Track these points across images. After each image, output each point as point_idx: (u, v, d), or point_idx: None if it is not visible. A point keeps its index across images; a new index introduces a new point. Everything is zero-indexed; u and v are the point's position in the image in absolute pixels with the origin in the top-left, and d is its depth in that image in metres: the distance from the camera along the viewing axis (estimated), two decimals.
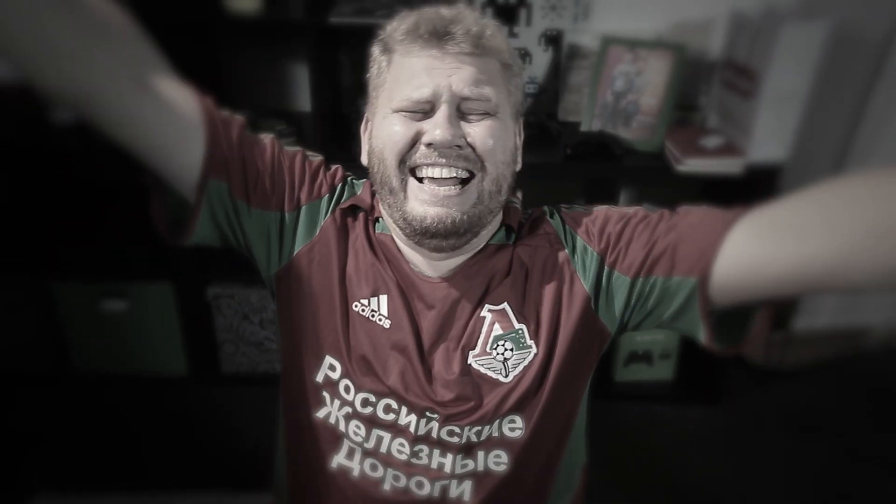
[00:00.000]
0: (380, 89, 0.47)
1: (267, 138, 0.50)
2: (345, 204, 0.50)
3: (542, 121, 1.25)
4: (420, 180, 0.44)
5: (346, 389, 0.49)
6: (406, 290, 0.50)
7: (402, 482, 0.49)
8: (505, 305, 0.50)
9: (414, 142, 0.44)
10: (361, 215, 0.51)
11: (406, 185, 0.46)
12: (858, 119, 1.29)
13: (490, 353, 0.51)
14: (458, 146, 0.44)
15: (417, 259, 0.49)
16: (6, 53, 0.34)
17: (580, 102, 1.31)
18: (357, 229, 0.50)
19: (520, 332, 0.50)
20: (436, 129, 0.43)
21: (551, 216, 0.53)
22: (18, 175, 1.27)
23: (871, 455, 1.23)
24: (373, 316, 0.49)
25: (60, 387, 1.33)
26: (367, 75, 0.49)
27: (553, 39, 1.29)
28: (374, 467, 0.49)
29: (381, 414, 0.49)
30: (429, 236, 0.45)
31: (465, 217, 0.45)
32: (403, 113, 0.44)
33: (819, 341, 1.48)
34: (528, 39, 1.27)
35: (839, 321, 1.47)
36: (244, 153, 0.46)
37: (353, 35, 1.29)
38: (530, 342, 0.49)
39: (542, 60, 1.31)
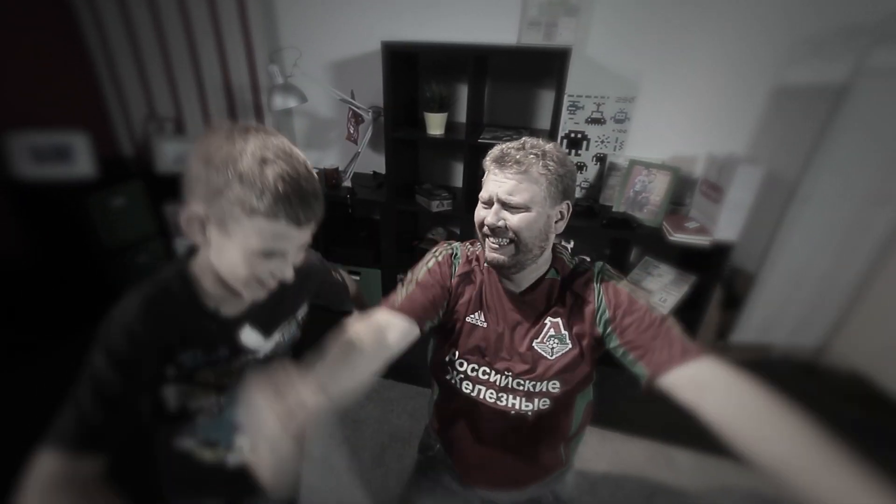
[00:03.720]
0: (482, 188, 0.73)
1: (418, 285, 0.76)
2: (461, 272, 0.78)
3: (590, 204, 1.94)
4: (486, 237, 0.72)
5: (461, 364, 0.80)
6: (501, 300, 0.76)
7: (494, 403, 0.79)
8: (559, 319, 0.75)
9: (483, 220, 0.72)
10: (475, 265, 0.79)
11: (484, 241, 0.72)
12: (780, 221, 1.80)
13: (546, 343, 0.76)
14: (501, 227, 0.68)
15: (505, 280, 0.76)
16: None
17: (613, 195, 1.94)
18: (474, 274, 0.78)
19: (565, 336, 0.75)
20: (489, 216, 0.69)
21: (597, 279, 0.74)
22: None
23: None
24: (476, 321, 0.77)
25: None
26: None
27: (601, 159, 1.99)
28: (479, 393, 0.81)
29: (480, 375, 0.79)
30: (495, 268, 0.73)
31: (507, 259, 0.70)
32: (483, 204, 0.72)
33: (744, 350, 2.01)
34: (586, 158, 2.01)
35: (758, 338, 2.00)
36: (429, 310, 0.75)
37: (488, 148, 1.96)
38: (569, 342, 0.75)
39: (593, 170, 2.02)
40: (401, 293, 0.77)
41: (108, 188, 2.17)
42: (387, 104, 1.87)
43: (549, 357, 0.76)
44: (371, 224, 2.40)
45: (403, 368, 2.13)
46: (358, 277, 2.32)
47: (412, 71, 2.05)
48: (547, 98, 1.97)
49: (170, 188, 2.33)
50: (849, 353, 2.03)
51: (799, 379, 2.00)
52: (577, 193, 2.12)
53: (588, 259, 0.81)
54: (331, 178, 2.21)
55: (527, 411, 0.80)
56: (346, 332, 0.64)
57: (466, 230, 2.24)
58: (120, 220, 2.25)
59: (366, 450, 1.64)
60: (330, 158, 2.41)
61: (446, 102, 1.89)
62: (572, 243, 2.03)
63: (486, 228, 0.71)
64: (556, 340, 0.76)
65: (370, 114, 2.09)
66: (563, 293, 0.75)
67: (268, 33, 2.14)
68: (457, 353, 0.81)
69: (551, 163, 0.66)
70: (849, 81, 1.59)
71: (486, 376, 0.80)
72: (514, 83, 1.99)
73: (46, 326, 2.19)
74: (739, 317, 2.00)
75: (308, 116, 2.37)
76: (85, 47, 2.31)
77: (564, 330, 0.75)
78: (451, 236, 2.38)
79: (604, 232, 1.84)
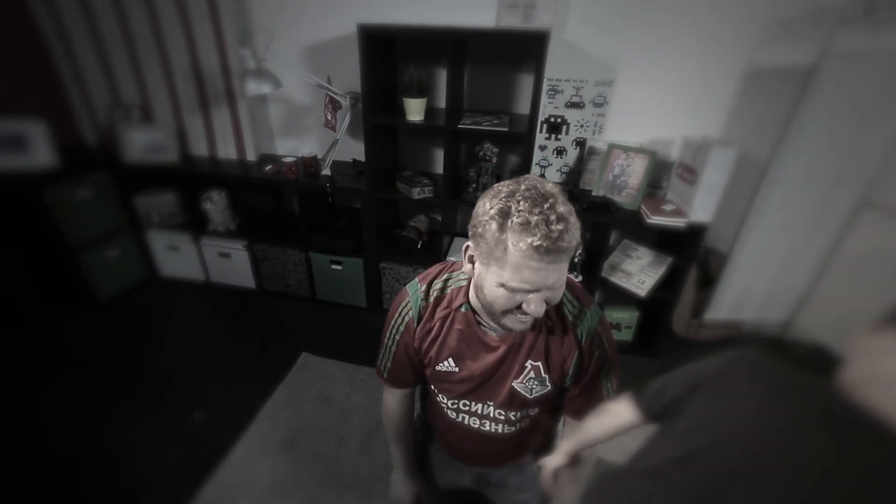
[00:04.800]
0: (492, 259, 0.60)
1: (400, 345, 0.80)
2: (425, 329, 0.77)
3: (570, 188, 1.98)
4: (508, 313, 0.65)
5: (441, 397, 0.85)
6: (479, 345, 0.75)
7: (477, 429, 0.85)
8: (540, 363, 0.76)
9: (517, 305, 0.63)
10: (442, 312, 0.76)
11: (503, 315, 0.66)
12: (750, 202, 1.87)
13: (525, 384, 0.78)
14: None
15: (489, 327, 0.74)
16: None
17: (593, 179, 1.96)
18: (443, 319, 0.76)
19: (545, 378, 0.77)
20: (532, 305, 0.62)
21: (582, 337, 0.74)
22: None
23: None
24: (450, 367, 0.78)
25: (310, 304, 2.40)
26: (478, 228, 0.61)
27: (580, 143, 2.01)
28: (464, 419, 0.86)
29: (461, 406, 0.84)
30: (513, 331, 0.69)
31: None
32: (512, 290, 0.61)
33: (716, 327, 2.11)
34: (566, 142, 2.02)
35: (730, 316, 2.09)
36: (413, 374, 0.84)
37: (468, 133, 1.98)
38: (548, 384, 0.78)
39: (572, 154, 2.05)
40: (384, 360, 0.86)
41: (71, 179, 2.07)
42: (364, 90, 1.83)
43: (528, 396, 0.79)
44: (352, 212, 2.37)
45: None
46: (340, 267, 2.30)
47: (390, 55, 2.01)
48: (526, 82, 1.97)
49: (139, 179, 2.29)
50: (812, 327, 2.14)
51: (767, 352, 2.12)
52: (558, 178, 2.14)
53: (578, 304, 0.76)
54: (309, 166, 2.16)
55: (510, 432, 0.85)
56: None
57: (448, 217, 2.24)
58: (86, 214, 2.15)
59: (353, 438, 1.64)
60: (308, 146, 2.36)
61: (425, 87, 1.86)
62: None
63: (518, 310, 0.64)
64: (536, 382, 0.78)
65: (348, 100, 2.04)
66: (547, 339, 0.75)
67: (238, 15, 2.06)
68: (434, 389, 0.86)
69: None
70: (815, 65, 1.64)
71: (467, 407, 0.84)
72: (493, 67, 1.98)
73: (6, 322, 2.10)
74: (713, 296, 2.07)
75: (283, 103, 2.30)
76: (38, 32, 2.17)
77: (544, 374, 0.77)
78: (432, 223, 2.38)
79: (584, 216, 1.84)
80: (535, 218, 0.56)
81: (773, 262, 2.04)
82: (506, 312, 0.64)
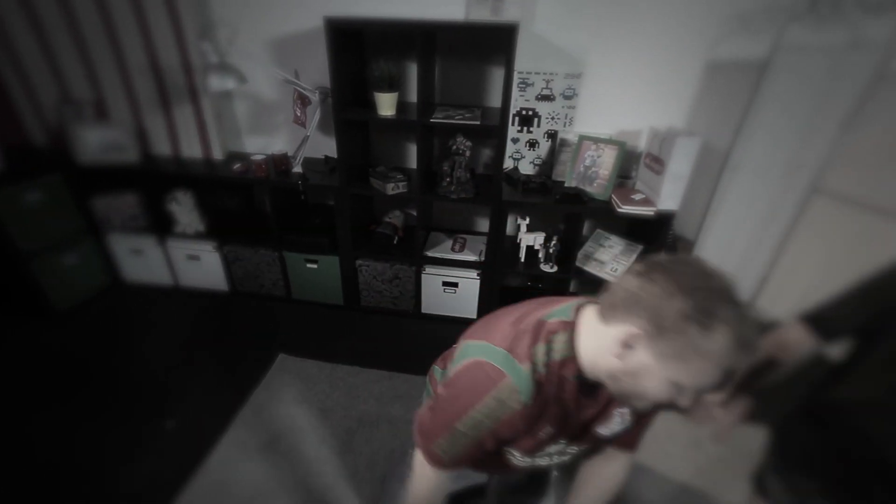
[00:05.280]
0: (679, 358, 0.54)
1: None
2: (534, 410, 0.66)
3: (543, 180, 1.97)
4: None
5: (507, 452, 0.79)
6: (579, 409, 0.70)
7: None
8: (627, 408, 0.75)
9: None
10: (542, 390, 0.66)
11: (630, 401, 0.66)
12: (714, 189, 1.95)
13: (607, 426, 0.77)
14: None
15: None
16: None
17: (565, 171, 1.99)
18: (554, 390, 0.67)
19: (629, 420, 0.77)
20: (687, 400, 0.59)
21: None
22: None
23: None
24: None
25: (286, 304, 2.35)
26: (664, 322, 0.54)
27: (552, 135, 2.04)
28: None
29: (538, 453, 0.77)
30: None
31: None
32: (676, 386, 0.57)
33: None
34: (538, 135, 2.05)
35: None
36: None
37: (441, 128, 2.04)
38: (629, 422, 0.78)
39: (545, 147, 2.07)
40: (450, 446, 0.69)
41: (18, 183, 1.95)
42: (334, 85, 1.80)
43: (606, 434, 0.77)
44: (325, 210, 2.33)
45: (369, 354, 2.12)
46: (315, 265, 2.26)
47: (359, 49, 1.98)
48: (497, 75, 1.97)
49: (98, 180, 2.17)
50: (771, 306, 2.26)
51: None
52: (531, 170, 2.17)
53: None
54: (280, 164, 2.11)
55: (567, 459, 0.83)
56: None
57: (423, 212, 2.23)
58: (36, 218, 2.03)
59: (334, 437, 1.63)
60: (278, 143, 2.29)
61: (396, 81, 1.84)
62: (528, 219, 2.09)
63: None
64: (620, 425, 0.77)
65: (317, 95, 2.00)
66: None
67: (198, 7, 1.97)
68: (510, 449, 0.77)
69: None
70: (769, 57, 1.71)
71: (539, 453, 0.78)
72: (463, 60, 1.98)
73: None
74: None
75: (250, 99, 2.23)
76: None
77: (630, 417, 0.76)
78: (408, 219, 2.36)
79: (557, 207, 1.91)
80: (749, 333, 0.53)
81: (736, 246, 2.14)
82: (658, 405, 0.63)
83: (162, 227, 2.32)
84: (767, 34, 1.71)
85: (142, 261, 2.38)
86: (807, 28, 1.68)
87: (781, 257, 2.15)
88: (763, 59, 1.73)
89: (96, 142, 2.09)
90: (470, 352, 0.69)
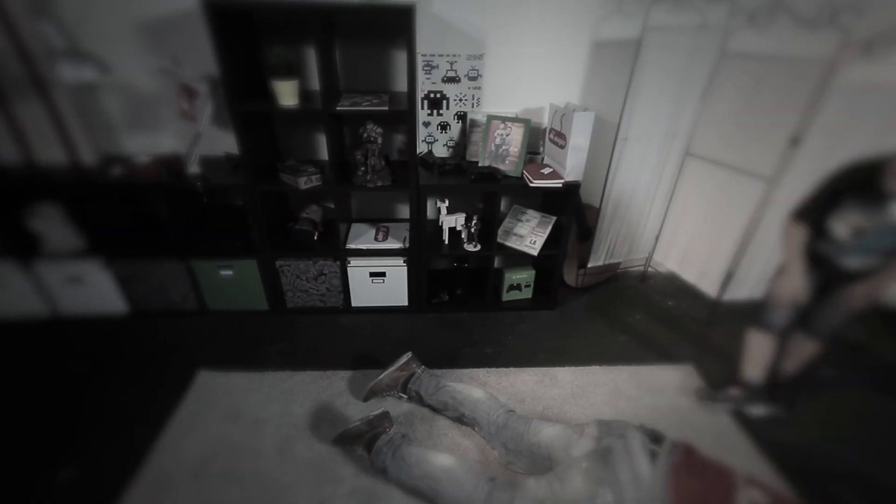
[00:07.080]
0: None
1: None
2: None
3: (458, 161, 2.04)
4: None
5: None
6: None
7: None
8: None
9: None
10: None
11: None
12: (610, 161, 2.15)
13: None
14: None
15: None
16: None
17: (478, 150, 2.05)
18: None
19: None
20: None
21: None
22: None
23: (627, 323, 2.21)
24: None
25: (201, 318, 2.14)
26: None
27: (461, 116, 2.08)
28: None
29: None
30: None
31: None
32: None
33: (599, 271, 2.48)
34: (448, 117, 2.08)
35: (607, 261, 2.47)
36: None
37: (350, 117, 1.97)
38: None
39: (456, 129, 2.11)
40: None
41: None
42: (222, 73, 1.63)
43: None
44: (234, 211, 2.14)
45: (302, 357, 2.01)
46: (231, 272, 2.08)
47: (249, 33, 1.81)
48: (401, 59, 1.95)
49: None
50: (664, 260, 2.60)
51: (636, 285, 2.53)
52: (445, 153, 2.20)
53: None
54: (171, 166, 1.88)
55: None
56: None
57: (341, 204, 2.16)
58: None
59: (270, 448, 1.54)
60: (167, 142, 2.04)
61: (294, 67, 1.73)
62: (447, 201, 2.11)
63: None
64: None
65: (205, 85, 1.80)
66: None
67: None
68: None
69: None
70: (640, 37, 1.91)
71: None
72: (364, 44, 1.92)
73: None
74: (594, 246, 2.37)
75: (121, 93, 1.94)
76: None
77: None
78: (327, 212, 2.27)
79: (474, 187, 1.95)
80: None
81: (632, 209, 2.40)
82: None
83: (24, 249, 1.96)
84: (638, 16, 1.90)
85: (1, 292, 2.00)
86: (668, 11, 1.90)
87: (668, 215, 2.46)
88: (636, 39, 1.92)
89: None
90: None
